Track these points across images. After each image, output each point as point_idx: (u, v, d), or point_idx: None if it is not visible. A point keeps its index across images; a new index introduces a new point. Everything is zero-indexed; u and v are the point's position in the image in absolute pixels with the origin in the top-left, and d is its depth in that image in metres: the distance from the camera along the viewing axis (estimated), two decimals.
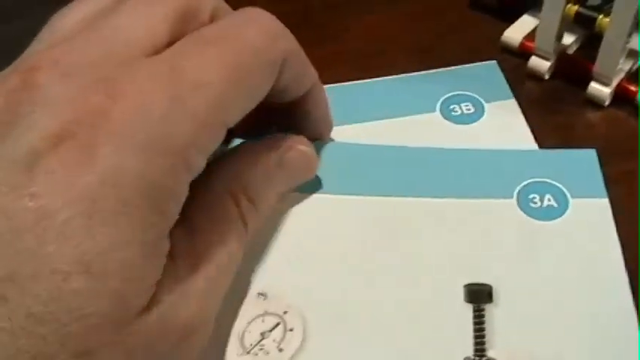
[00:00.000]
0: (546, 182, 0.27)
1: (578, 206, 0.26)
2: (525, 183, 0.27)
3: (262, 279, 0.25)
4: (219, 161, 0.23)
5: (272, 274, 0.25)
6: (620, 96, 0.32)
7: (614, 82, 0.32)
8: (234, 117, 0.21)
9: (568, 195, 0.27)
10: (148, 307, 0.18)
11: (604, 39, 0.31)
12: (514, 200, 0.27)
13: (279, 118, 0.26)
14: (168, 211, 0.19)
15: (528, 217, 0.26)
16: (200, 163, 0.20)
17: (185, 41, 0.20)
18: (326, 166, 0.27)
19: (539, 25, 0.33)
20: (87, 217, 0.17)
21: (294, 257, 0.25)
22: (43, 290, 0.16)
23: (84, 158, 0.17)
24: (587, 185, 0.27)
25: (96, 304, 0.17)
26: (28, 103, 0.18)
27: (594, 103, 0.32)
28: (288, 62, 0.22)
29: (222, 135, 0.20)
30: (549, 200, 0.26)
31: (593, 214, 0.26)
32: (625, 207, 0.27)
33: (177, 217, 0.19)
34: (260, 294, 0.24)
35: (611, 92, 0.32)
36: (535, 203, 0.26)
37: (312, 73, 0.25)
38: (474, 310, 0.23)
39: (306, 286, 0.25)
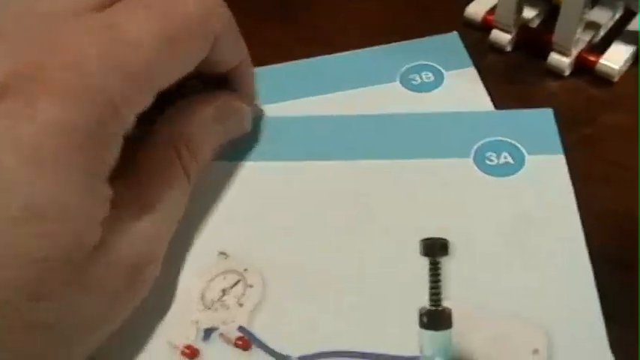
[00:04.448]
0: (503, 140, 0.28)
1: (534, 162, 0.27)
2: (482, 142, 0.28)
3: (224, 239, 0.25)
4: (161, 117, 0.24)
5: (233, 235, 0.25)
6: (581, 66, 0.33)
7: (574, 53, 0.32)
8: (165, 80, 0.21)
9: (524, 152, 0.27)
10: (97, 248, 0.19)
11: (561, 10, 0.31)
12: (471, 159, 0.27)
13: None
14: (104, 159, 0.20)
15: (485, 175, 0.27)
16: (130, 119, 0.20)
17: (124, 3, 0.21)
18: (284, 135, 0.28)
19: None
20: (31, 165, 0.17)
21: (253, 219, 0.26)
22: None
23: (25, 110, 0.18)
24: (544, 142, 0.27)
25: (47, 247, 0.17)
26: None
27: (555, 73, 0.33)
28: (222, 36, 0.23)
29: (151, 95, 0.21)
30: (505, 157, 0.27)
31: (548, 169, 0.27)
32: (582, 170, 0.27)
33: (114, 164, 0.20)
34: (221, 253, 0.25)
35: (570, 62, 0.32)
36: (491, 161, 0.27)
37: (243, 48, 0.26)
38: (430, 263, 0.24)
39: (266, 246, 0.25)
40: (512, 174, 0.27)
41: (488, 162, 0.27)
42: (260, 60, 0.32)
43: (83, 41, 0.19)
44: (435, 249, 0.24)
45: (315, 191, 0.27)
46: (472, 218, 0.25)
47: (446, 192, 0.26)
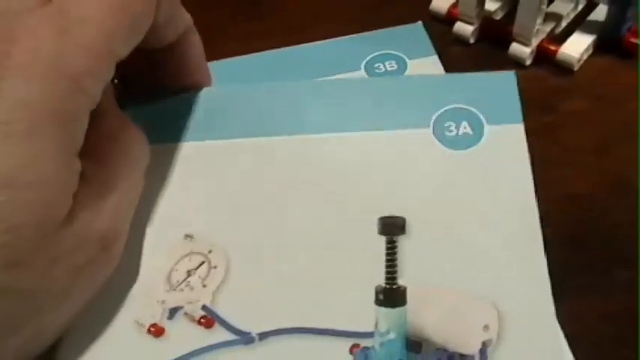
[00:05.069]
0: (463, 109, 0.27)
1: (493, 133, 0.26)
2: (442, 110, 0.27)
3: (189, 222, 0.26)
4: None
5: (198, 218, 0.26)
6: (542, 55, 0.34)
7: (534, 43, 0.33)
8: (122, 47, 0.22)
9: (484, 121, 0.26)
10: (68, 220, 0.20)
11: (520, 2, 0.32)
12: (430, 129, 0.27)
13: (159, 69, 0.28)
14: (73, 132, 0.21)
15: (444, 147, 0.26)
16: (96, 90, 0.21)
17: None
18: (238, 111, 0.28)
19: None
20: (2, 138, 0.18)
21: (216, 201, 0.26)
22: None
23: None
24: (504, 110, 0.27)
25: (21, 215, 0.18)
26: None
27: (516, 63, 0.34)
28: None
29: (112, 64, 0.22)
30: (465, 128, 0.26)
31: (507, 140, 0.26)
32: (542, 155, 0.28)
33: (82, 139, 0.21)
34: (187, 236, 0.26)
35: (531, 52, 0.33)
36: (451, 131, 0.26)
37: (186, 16, 0.27)
38: (387, 242, 0.24)
39: (229, 227, 0.25)
40: (471, 146, 0.26)
41: (447, 133, 0.26)
42: (227, 54, 0.32)
43: (39, 28, 0.20)
44: (392, 228, 0.24)
45: (269, 169, 0.27)
46: (430, 194, 0.25)
47: (405, 166, 0.26)
